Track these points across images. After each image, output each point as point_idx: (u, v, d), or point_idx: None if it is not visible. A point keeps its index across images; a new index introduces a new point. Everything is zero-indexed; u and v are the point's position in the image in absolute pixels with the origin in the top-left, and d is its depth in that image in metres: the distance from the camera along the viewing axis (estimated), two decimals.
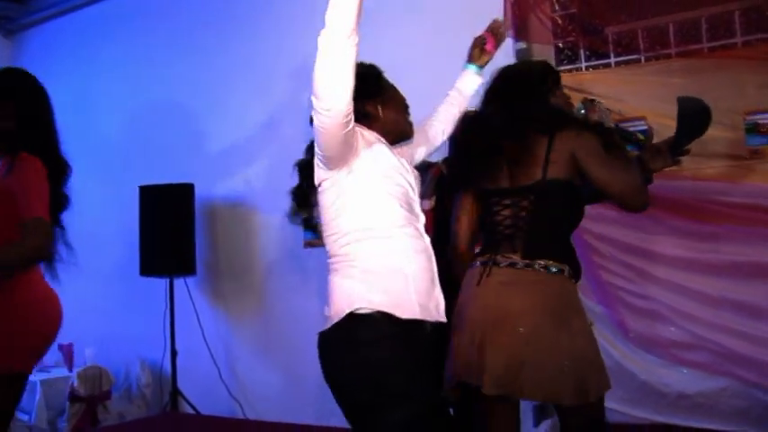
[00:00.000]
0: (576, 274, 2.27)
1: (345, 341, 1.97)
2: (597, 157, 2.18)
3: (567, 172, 2.20)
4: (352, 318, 1.94)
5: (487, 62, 2.63)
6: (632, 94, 3.51)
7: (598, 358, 2.20)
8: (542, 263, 2.17)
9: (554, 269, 2.17)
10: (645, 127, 3.52)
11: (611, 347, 3.44)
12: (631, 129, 3.46)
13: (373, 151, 2.03)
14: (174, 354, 4.52)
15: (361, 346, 1.94)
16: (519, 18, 3.66)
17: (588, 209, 3.03)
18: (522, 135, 2.23)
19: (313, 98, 1.84)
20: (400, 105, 2.27)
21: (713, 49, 3.56)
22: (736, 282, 3.33)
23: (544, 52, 3.76)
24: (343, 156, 1.97)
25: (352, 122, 1.91)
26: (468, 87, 2.61)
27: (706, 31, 3.58)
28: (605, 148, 2.19)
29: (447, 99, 2.61)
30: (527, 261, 2.18)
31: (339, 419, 2.08)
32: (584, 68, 3.81)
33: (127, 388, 4.93)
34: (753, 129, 3.41)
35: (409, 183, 2.10)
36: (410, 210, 2.06)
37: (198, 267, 4.58)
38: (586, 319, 2.23)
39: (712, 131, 3.28)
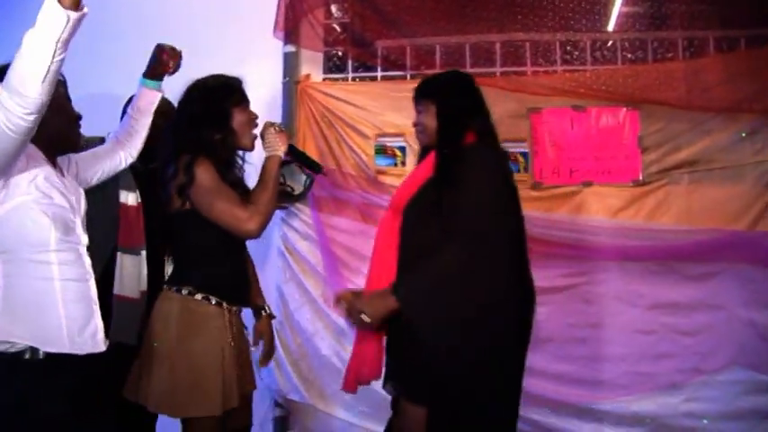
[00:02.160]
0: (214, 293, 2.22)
1: None
2: (201, 188, 2.15)
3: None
4: None
5: (163, 75, 2.40)
6: (394, 109, 3.52)
7: (201, 382, 2.15)
8: (171, 285, 2.25)
9: (182, 290, 2.20)
10: (403, 144, 3.56)
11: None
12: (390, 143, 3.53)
13: (32, 165, 1.85)
14: None
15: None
16: (291, 21, 3.56)
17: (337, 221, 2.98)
18: (170, 158, 2.22)
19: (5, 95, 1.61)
20: (70, 114, 2.09)
21: (475, 75, 3.67)
22: None
23: (313, 58, 3.70)
24: (8, 166, 1.76)
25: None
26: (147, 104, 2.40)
27: (470, 57, 3.70)
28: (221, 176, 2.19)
29: (129, 120, 2.41)
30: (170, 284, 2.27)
31: None
32: (350, 79, 3.80)
33: None
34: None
35: (69, 203, 1.93)
36: (66, 232, 1.88)
37: None
38: (205, 340, 2.19)
39: None
